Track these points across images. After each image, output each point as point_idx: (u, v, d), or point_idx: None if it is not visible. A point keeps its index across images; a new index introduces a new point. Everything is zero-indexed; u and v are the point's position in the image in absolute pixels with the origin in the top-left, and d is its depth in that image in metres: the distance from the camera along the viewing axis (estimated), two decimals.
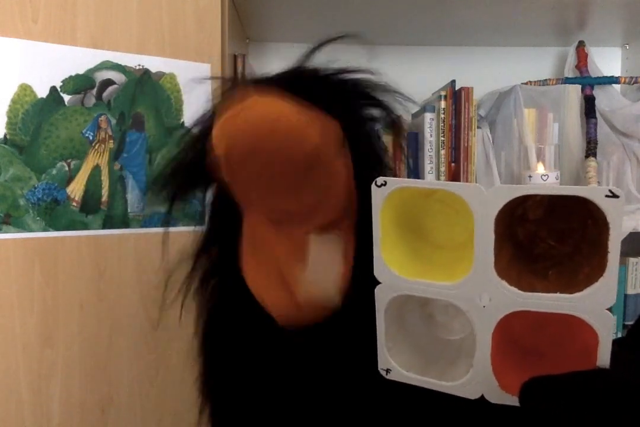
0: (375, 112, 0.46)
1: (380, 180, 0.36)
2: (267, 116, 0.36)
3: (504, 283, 0.34)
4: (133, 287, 0.78)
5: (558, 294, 0.33)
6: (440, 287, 0.36)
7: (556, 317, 0.33)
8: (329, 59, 0.46)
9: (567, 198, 0.33)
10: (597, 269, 0.32)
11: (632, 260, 1.13)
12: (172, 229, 0.53)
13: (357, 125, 0.45)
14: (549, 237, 0.39)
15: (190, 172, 0.47)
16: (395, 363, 0.39)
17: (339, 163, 0.42)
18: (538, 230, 0.39)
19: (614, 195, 0.30)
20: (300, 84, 0.44)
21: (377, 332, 0.39)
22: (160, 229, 0.79)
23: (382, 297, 0.39)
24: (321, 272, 0.41)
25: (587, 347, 0.33)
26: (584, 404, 0.29)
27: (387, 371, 0.40)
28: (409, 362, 0.40)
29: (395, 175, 0.49)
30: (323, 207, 0.42)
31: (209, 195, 0.48)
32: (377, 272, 0.38)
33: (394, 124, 0.46)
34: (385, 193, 0.36)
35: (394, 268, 0.38)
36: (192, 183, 0.48)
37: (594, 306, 0.32)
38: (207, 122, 0.47)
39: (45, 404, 0.76)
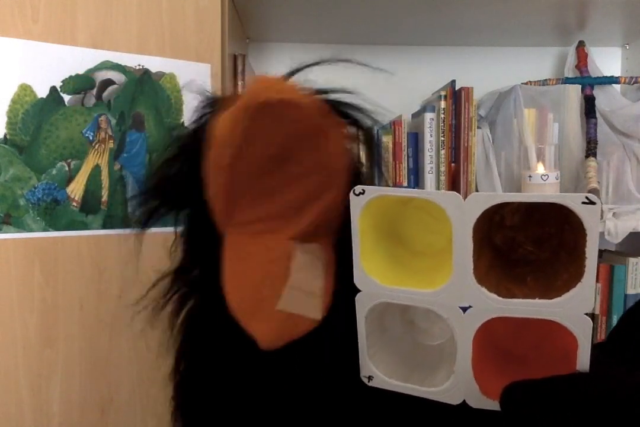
0: (350, 129, 0.47)
1: (358, 188, 0.37)
2: (288, 88, 0.39)
3: (484, 290, 0.34)
4: (133, 287, 0.78)
5: (537, 300, 0.33)
6: (420, 295, 0.36)
7: (537, 322, 0.34)
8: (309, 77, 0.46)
9: (543, 204, 0.33)
10: (575, 275, 0.32)
11: (632, 260, 1.13)
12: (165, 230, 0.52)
13: None
14: (527, 242, 0.39)
15: (171, 188, 0.48)
16: (378, 370, 0.40)
17: (338, 150, 0.42)
18: (516, 235, 0.40)
19: (591, 202, 0.31)
20: None
21: (359, 340, 0.39)
22: (160, 229, 0.79)
23: (362, 305, 0.39)
24: (304, 282, 0.41)
25: (567, 352, 0.33)
26: (563, 408, 0.30)
27: (370, 378, 0.40)
28: (391, 369, 0.40)
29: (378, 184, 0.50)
30: (310, 207, 0.42)
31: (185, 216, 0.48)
32: (357, 281, 0.38)
33: (367, 139, 0.47)
34: (363, 201, 0.37)
35: (374, 276, 0.38)
36: (172, 200, 0.48)
37: (573, 311, 0.32)
38: (192, 136, 0.47)
39: (45, 404, 0.76)
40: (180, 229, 0.49)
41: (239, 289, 0.42)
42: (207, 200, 0.43)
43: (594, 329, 1.12)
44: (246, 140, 0.40)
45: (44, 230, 0.75)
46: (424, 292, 0.36)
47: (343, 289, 0.43)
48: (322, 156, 0.41)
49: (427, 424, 0.43)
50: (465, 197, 0.34)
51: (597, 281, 1.14)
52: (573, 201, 0.31)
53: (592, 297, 0.32)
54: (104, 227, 0.78)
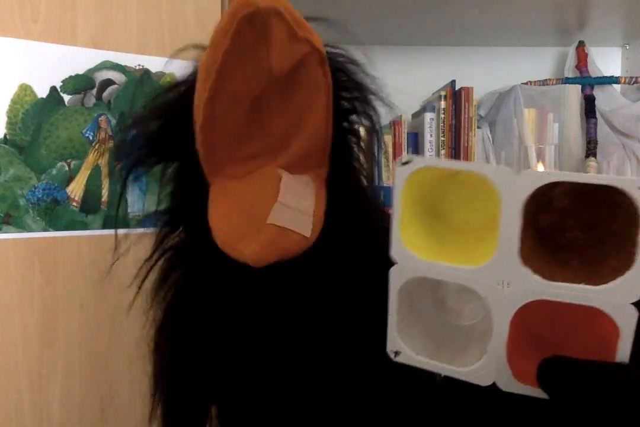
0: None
1: (405, 157, 0.35)
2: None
3: (528, 270, 0.33)
4: (133, 287, 0.78)
5: (582, 286, 0.32)
6: (460, 271, 0.35)
7: (576, 308, 0.33)
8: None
9: (596, 188, 0.32)
10: (624, 263, 0.31)
11: None
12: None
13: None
14: (575, 227, 0.38)
15: (161, 138, 0.46)
16: (406, 346, 0.38)
17: (322, 83, 0.42)
18: (564, 219, 0.38)
19: None
20: None
21: (389, 314, 0.38)
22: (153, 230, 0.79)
23: (397, 278, 0.37)
24: (294, 200, 0.40)
25: (605, 342, 0.32)
26: (602, 394, 0.29)
27: (397, 353, 0.38)
28: (419, 345, 0.39)
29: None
30: (298, 135, 0.42)
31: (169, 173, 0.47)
32: (394, 253, 0.37)
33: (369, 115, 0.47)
34: (408, 172, 0.35)
35: (412, 249, 0.36)
36: (161, 151, 0.47)
37: (619, 300, 0.31)
38: (182, 88, 0.46)
39: (45, 404, 0.76)
40: (167, 184, 0.47)
41: (227, 218, 0.41)
42: (195, 152, 0.42)
43: None
44: (227, 68, 0.39)
45: (44, 230, 0.75)
46: (464, 269, 0.35)
47: (333, 227, 0.42)
48: (302, 90, 0.41)
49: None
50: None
51: None
52: (629, 185, 0.30)
53: None
54: (104, 227, 0.78)
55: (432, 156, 1.12)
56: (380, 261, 0.38)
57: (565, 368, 0.31)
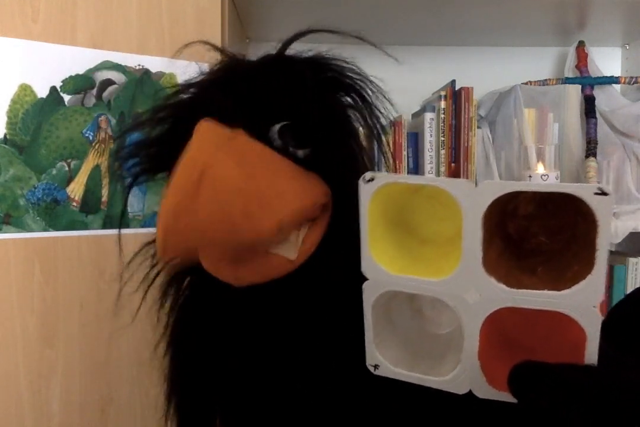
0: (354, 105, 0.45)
1: (368, 175, 0.36)
2: (217, 210, 0.35)
3: (492, 280, 0.34)
4: (133, 287, 0.78)
5: (546, 291, 0.33)
6: (428, 284, 0.36)
7: (546, 313, 0.33)
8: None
9: (558, 195, 0.32)
10: (585, 267, 0.32)
11: (632, 260, 1.13)
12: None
13: (339, 121, 0.44)
14: (540, 232, 0.39)
15: (154, 150, 0.46)
16: (384, 358, 0.39)
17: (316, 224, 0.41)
18: (529, 225, 0.39)
19: (603, 193, 0.30)
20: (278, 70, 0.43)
21: (365, 329, 0.39)
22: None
23: (369, 293, 0.38)
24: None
25: (576, 345, 0.33)
26: (571, 395, 0.29)
27: (376, 366, 0.39)
28: (397, 357, 0.40)
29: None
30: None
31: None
32: (365, 269, 0.38)
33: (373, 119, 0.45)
34: (373, 189, 0.36)
35: (382, 264, 0.37)
36: (154, 162, 0.47)
37: (582, 304, 0.32)
38: (176, 101, 0.46)
39: (45, 404, 0.76)
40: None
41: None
42: None
43: None
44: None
45: (44, 230, 0.75)
46: (431, 281, 0.36)
47: (335, 244, 0.42)
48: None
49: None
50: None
51: None
52: (585, 192, 0.30)
53: (602, 290, 0.32)
54: (104, 227, 0.78)
55: (396, 173, 1.12)
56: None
57: (534, 372, 0.31)
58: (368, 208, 0.36)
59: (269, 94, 0.42)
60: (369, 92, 0.45)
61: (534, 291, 0.33)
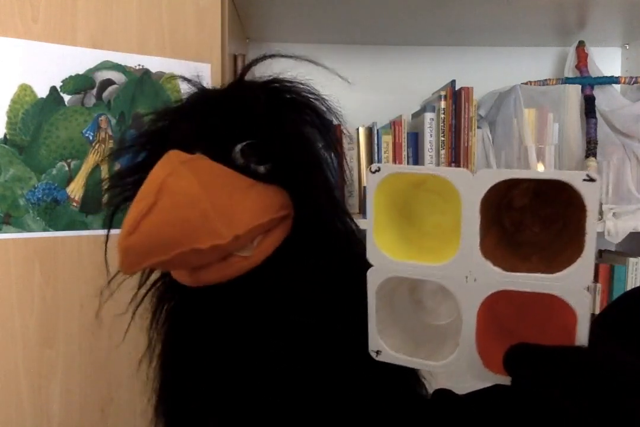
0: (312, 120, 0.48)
1: (374, 166, 0.38)
2: (172, 226, 0.37)
3: (489, 263, 0.36)
4: (133, 287, 0.78)
5: (539, 274, 0.35)
6: (429, 269, 0.38)
7: (539, 299, 0.35)
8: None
9: (551, 186, 0.34)
10: (576, 251, 0.34)
11: (632, 260, 1.13)
12: None
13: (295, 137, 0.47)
14: (534, 224, 0.41)
15: (141, 174, 0.48)
16: (386, 345, 0.41)
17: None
18: (523, 217, 0.41)
19: (591, 179, 0.32)
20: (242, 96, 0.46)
21: (369, 315, 0.41)
22: None
23: (374, 279, 0.40)
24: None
25: (568, 328, 0.34)
26: (564, 375, 0.31)
27: (378, 352, 0.41)
28: (398, 344, 0.42)
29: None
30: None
31: None
32: (370, 255, 0.40)
33: (328, 132, 0.49)
34: (378, 179, 0.38)
35: (386, 251, 0.39)
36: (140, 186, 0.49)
37: (573, 286, 0.34)
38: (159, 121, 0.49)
39: (45, 404, 0.76)
40: None
41: None
42: None
43: None
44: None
45: (44, 230, 0.75)
46: (432, 266, 0.38)
47: (298, 239, 0.45)
48: None
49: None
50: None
51: (597, 280, 1.14)
52: (574, 178, 0.32)
53: (592, 272, 0.34)
54: (104, 227, 0.78)
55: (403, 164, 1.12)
56: (352, 269, 0.42)
57: (527, 353, 0.33)
58: (374, 198, 0.38)
59: (228, 117, 0.45)
60: (323, 109, 0.48)
61: (528, 274, 0.35)
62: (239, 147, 0.44)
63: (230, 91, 0.48)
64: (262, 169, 0.45)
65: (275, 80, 0.48)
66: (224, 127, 0.45)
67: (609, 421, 0.29)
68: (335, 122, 0.49)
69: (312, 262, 0.45)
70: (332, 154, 0.49)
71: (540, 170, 1.04)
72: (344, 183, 0.53)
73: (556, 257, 0.36)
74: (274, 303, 0.44)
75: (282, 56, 0.50)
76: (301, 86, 0.48)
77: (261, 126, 0.45)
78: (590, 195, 0.32)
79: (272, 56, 0.50)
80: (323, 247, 0.46)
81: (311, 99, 0.48)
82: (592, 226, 0.33)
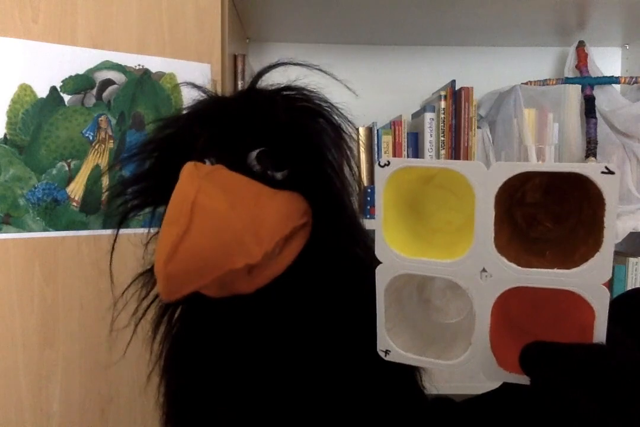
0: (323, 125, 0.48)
1: (383, 160, 0.36)
2: (204, 254, 0.37)
3: (503, 259, 0.35)
4: (133, 287, 0.78)
5: (555, 270, 0.33)
6: (441, 265, 0.37)
7: (553, 296, 0.34)
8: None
9: (564, 181, 0.33)
10: (593, 246, 0.33)
11: (632, 260, 1.13)
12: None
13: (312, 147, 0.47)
14: (547, 220, 0.40)
15: (148, 182, 0.49)
16: (395, 344, 0.40)
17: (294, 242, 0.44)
18: (536, 213, 0.40)
19: (610, 172, 0.31)
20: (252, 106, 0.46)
21: (377, 313, 0.39)
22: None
23: (382, 277, 0.38)
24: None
25: (583, 326, 0.33)
26: (581, 374, 0.30)
27: (387, 352, 0.40)
28: (407, 343, 0.40)
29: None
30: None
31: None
32: (379, 252, 0.38)
33: (338, 136, 0.49)
34: (388, 173, 0.36)
35: (395, 248, 0.38)
36: (148, 195, 0.49)
37: (591, 281, 0.33)
38: (169, 127, 0.49)
39: (45, 404, 0.76)
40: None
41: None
42: None
43: None
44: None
45: (44, 230, 0.75)
46: (444, 262, 0.36)
47: (318, 245, 0.45)
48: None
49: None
50: None
51: None
52: (593, 171, 0.31)
53: (610, 267, 0.32)
54: (104, 227, 0.78)
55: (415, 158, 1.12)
56: (362, 277, 0.41)
57: (545, 351, 0.32)
58: (383, 193, 0.37)
59: (243, 124, 0.45)
60: (335, 116, 0.48)
61: (544, 270, 0.34)
62: (254, 153, 0.44)
63: (244, 98, 0.48)
64: (279, 175, 0.44)
65: (288, 88, 0.48)
66: (239, 135, 0.44)
67: (631, 422, 0.28)
68: (347, 129, 0.49)
69: (333, 269, 0.45)
70: (345, 161, 0.49)
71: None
72: (359, 190, 0.53)
73: (571, 253, 0.35)
74: (295, 309, 0.43)
75: (295, 64, 0.49)
76: (313, 94, 0.48)
77: (277, 132, 0.44)
78: (609, 188, 0.31)
79: (284, 64, 0.49)
80: (343, 253, 0.46)
81: (324, 107, 0.48)
82: (611, 220, 0.32)
